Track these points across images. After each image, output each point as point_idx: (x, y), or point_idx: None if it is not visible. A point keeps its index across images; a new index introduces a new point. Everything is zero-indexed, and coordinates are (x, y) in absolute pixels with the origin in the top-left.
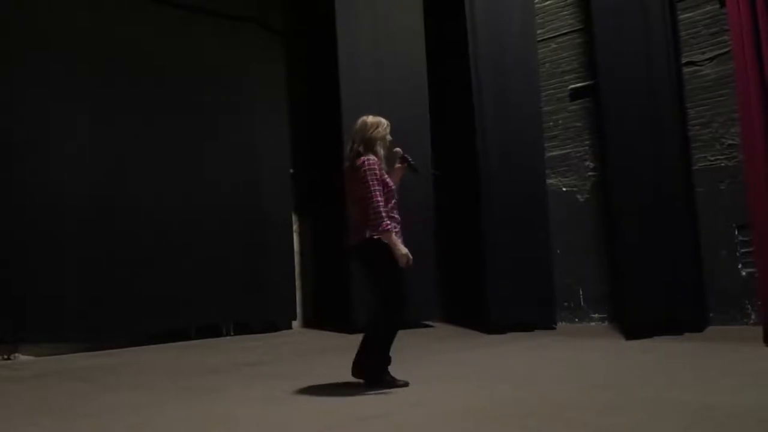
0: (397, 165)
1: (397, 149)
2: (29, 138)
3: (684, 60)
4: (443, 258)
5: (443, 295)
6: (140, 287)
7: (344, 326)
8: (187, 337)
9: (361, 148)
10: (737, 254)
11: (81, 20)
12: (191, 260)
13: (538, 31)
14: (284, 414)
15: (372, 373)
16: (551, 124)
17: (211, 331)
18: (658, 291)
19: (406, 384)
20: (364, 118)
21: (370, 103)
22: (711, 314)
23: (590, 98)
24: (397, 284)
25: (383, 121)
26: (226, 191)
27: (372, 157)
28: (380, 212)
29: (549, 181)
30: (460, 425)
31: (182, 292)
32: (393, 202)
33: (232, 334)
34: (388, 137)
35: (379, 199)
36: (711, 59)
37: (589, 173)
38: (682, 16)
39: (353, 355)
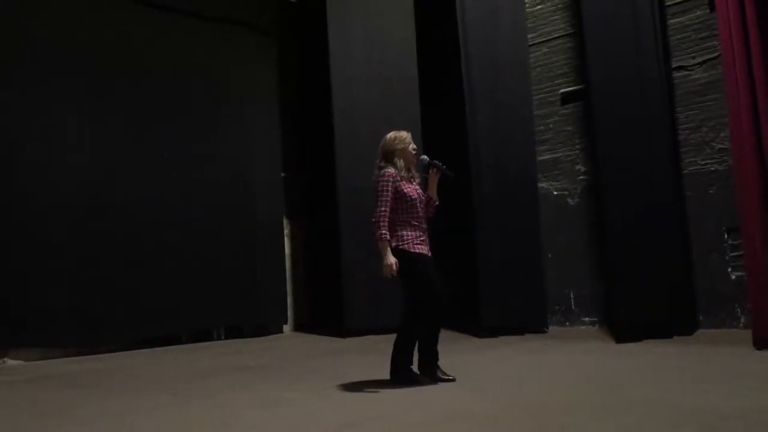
0: (431, 173)
1: (423, 157)
2: (27, 139)
3: (674, 64)
4: (435, 261)
5: None
6: (131, 291)
7: (336, 330)
8: (178, 341)
9: (382, 163)
10: (727, 258)
11: (80, 22)
12: (182, 264)
13: (530, 36)
14: (278, 418)
15: (393, 369)
16: (542, 127)
17: (202, 334)
18: (648, 294)
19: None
20: (388, 134)
21: (361, 106)
22: (701, 317)
23: (581, 102)
24: (415, 289)
25: (403, 133)
26: (218, 194)
27: (389, 170)
28: (377, 222)
29: (540, 184)
30: (455, 428)
31: (173, 296)
32: (417, 211)
33: (223, 338)
34: (412, 146)
35: (381, 209)
36: (701, 64)
37: (580, 177)
38: (672, 21)
39: (345, 359)
